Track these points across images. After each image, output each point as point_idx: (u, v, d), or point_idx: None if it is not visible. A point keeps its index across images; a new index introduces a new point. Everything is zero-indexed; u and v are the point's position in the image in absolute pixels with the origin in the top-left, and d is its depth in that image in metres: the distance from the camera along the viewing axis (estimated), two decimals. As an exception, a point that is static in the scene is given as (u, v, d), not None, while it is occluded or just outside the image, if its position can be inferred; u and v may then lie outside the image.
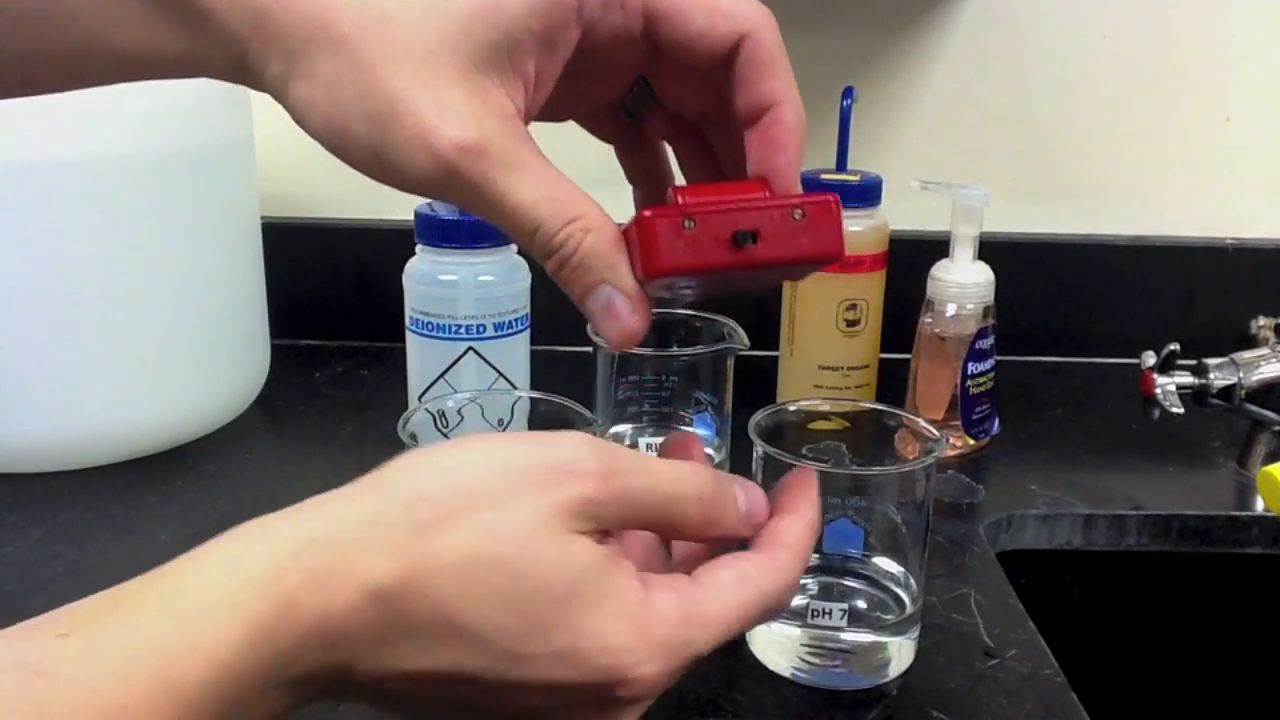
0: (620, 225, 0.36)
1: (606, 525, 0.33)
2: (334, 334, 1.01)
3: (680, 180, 0.41)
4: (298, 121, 0.36)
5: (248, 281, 0.85)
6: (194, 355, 0.80)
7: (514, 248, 0.70)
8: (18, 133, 0.70)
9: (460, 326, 0.69)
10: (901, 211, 0.88)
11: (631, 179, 0.42)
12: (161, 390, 0.78)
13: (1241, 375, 0.78)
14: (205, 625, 0.28)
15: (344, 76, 0.34)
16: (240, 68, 0.36)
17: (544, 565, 0.31)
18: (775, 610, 0.37)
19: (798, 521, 0.38)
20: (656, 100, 0.39)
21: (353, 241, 0.99)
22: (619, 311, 0.35)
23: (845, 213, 0.80)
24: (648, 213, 0.34)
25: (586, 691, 0.32)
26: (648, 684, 0.33)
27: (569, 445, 0.33)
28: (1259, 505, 0.76)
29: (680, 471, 0.35)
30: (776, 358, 0.86)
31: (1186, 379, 0.79)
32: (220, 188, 0.81)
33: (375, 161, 0.34)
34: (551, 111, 0.39)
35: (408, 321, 0.73)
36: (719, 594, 0.35)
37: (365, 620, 0.30)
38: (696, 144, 0.41)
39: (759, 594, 0.36)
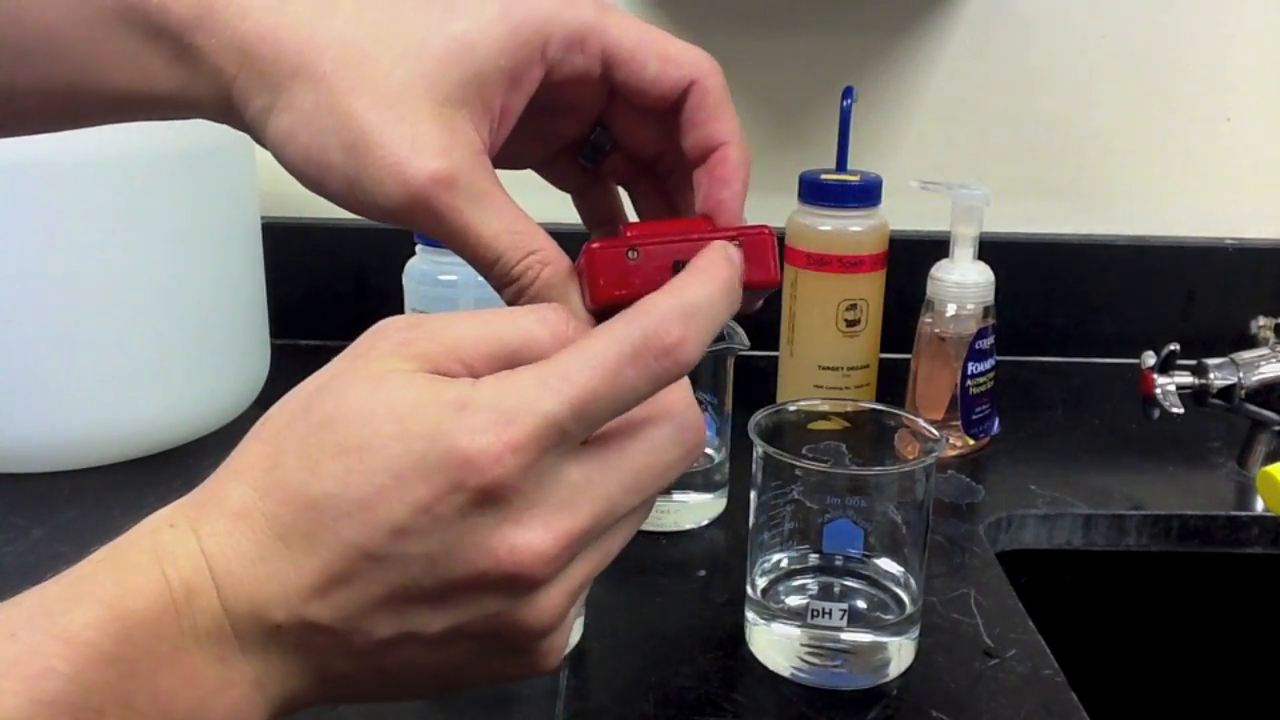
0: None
1: (431, 359, 0.32)
2: (334, 334, 1.01)
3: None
4: (277, 153, 0.37)
5: (248, 281, 0.85)
6: (194, 355, 0.80)
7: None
8: (18, 133, 0.70)
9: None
10: (901, 211, 0.88)
11: (589, 224, 0.44)
12: (161, 390, 0.78)
13: (1241, 375, 0.78)
14: (91, 578, 0.31)
15: (322, 109, 0.35)
16: (226, 105, 0.37)
17: (358, 402, 0.31)
18: (662, 367, 0.32)
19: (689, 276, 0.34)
20: (614, 142, 0.42)
21: (353, 241, 0.99)
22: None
23: (846, 212, 0.81)
24: (595, 245, 0.36)
25: (453, 496, 0.30)
26: (496, 457, 0.30)
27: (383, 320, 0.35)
28: (1259, 505, 0.76)
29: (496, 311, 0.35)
30: (776, 358, 0.86)
31: (1186, 379, 0.79)
32: (220, 188, 0.81)
33: (349, 190, 0.36)
34: (515, 157, 0.41)
35: (408, 321, 0.72)
36: (561, 357, 0.32)
37: (242, 545, 0.31)
38: (650, 186, 0.43)
39: (628, 339, 0.32)
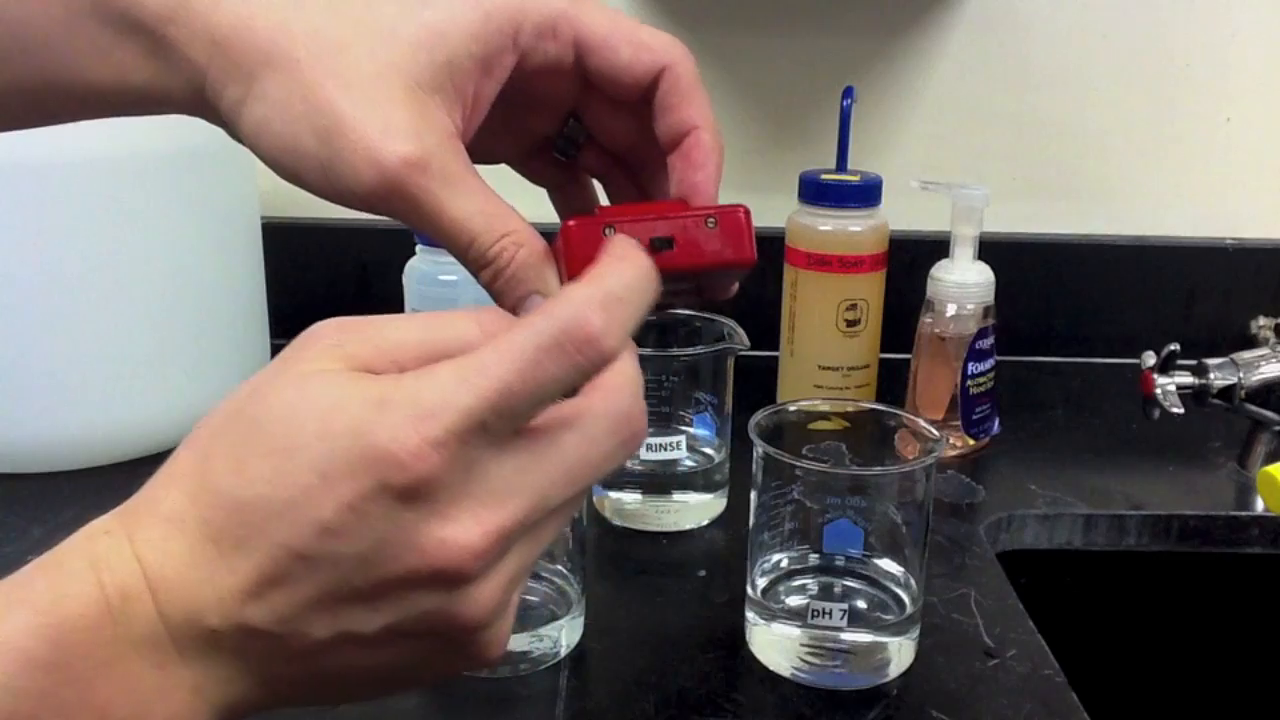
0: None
1: (360, 360, 0.32)
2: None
3: None
4: (251, 144, 0.37)
5: (248, 281, 0.85)
6: (193, 355, 0.80)
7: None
8: (18, 133, 0.69)
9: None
10: (901, 211, 0.88)
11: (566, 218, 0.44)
12: (161, 390, 0.78)
13: (1241, 375, 0.78)
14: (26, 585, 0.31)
15: (295, 96, 0.35)
16: (199, 98, 0.38)
17: (283, 403, 0.31)
18: (585, 356, 0.32)
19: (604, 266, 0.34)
20: (588, 134, 0.42)
21: (353, 241, 0.99)
22: None
23: (846, 212, 0.81)
24: (571, 222, 0.36)
25: (378, 493, 0.30)
26: (416, 454, 0.30)
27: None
28: (1259, 505, 0.76)
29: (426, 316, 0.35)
30: (776, 358, 0.86)
31: (1186, 379, 0.79)
32: (220, 188, 0.81)
33: (323, 176, 0.36)
34: (490, 151, 0.42)
35: (408, 321, 0.72)
36: (480, 351, 0.32)
37: (175, 550, 0.31)
38: (624, 178, 0.43)
39: (546, 330, 0.31)
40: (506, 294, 0.37)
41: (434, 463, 0.30)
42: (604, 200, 0.44)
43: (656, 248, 0.36)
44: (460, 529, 0.31)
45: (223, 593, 0.31)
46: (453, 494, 0.31)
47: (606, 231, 0.36)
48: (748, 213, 0.37)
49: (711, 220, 0.37)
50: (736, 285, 0.40)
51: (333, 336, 0.33)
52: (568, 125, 0.42)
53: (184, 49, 0.37)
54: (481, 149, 0.39)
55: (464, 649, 0.33)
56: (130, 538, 0.31)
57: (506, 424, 0.31)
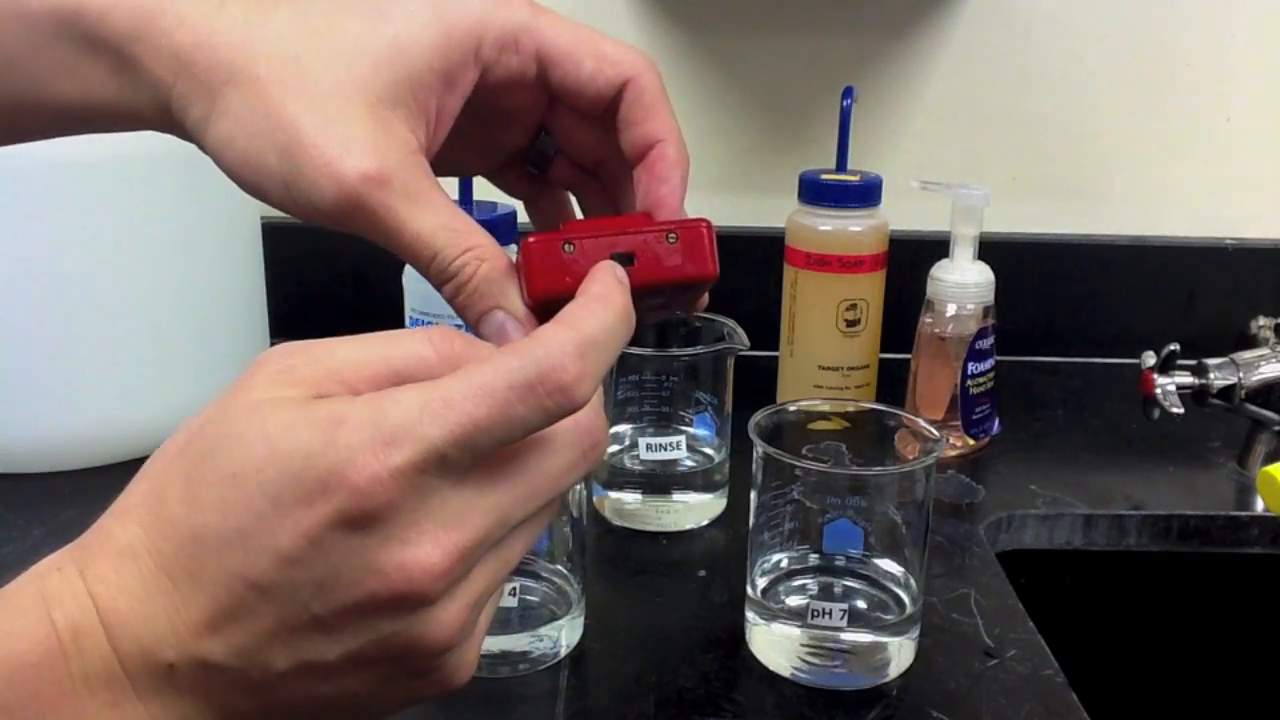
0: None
1: (311, 383, 0.32)
2: (334, 334, 0.99)
3: None
4: (217, 160, 0.37)
5: (248, 281, 0.85)
6: (193, 355, 0.80)
7: (513, 249, 0.70)
8: (18, 133, 0.70)
9: (460, 326, 0.69)
10: (901, 211, 0.88)
11: (526, 235, 0.45)
12: (161, 390, 0.78)
13: (1241, 375, 0.78)
14: None
15: (258, 113, 0.36)
16: (166, 115, 0.38)
17: (233, 430, 0.31)
18: (556, 403, 0.31)
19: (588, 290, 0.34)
20: (558, 147, 0.42)
21: (353, 241, 0.98)
22: (510, 334, 0.37)
23: (846, 212, 0.81)
24: (531, 239, 0.36)
25: (335, 519, 0.29)
26: (374, 479, 0.29)
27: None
28: (1259, 505, 0.76)
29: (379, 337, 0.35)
30: (776, 358, 0.86)
31: (1186, 379, 0.79)
32: (220, 188, 0.80)
33: (286, 193, 0.36)
34: (462, 166, 0.42)
35: (407, 321, 0.72)
36: (446, 381, 0.31)
37: (129, 583, 0.30)
38: (596, 190, 0.44)
39: (520, 374, 0.31)
40: (469, 308, 0.37)
41: (392, 490, 0.29)
42: (580, 213, 0.44)
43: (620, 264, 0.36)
44: (420, 551, 0.30)
45: (178, 626, 0.30)
46: (412, 517, 0.30)
47: (566, 248, 0.36)
48: (709, 227, 0.37)
49: (673, 235, 0.36)
50: (706, 299, 0.40)
51: (281, 361, 0.32)
52: (538, 139, 0.42)
53: (149, 66, 0.37)
54: (452, 162, 0.39)
55: (429, 674, 0.33)
56: (82, 573, 0.31)
57: (467, 459, 0.31)
